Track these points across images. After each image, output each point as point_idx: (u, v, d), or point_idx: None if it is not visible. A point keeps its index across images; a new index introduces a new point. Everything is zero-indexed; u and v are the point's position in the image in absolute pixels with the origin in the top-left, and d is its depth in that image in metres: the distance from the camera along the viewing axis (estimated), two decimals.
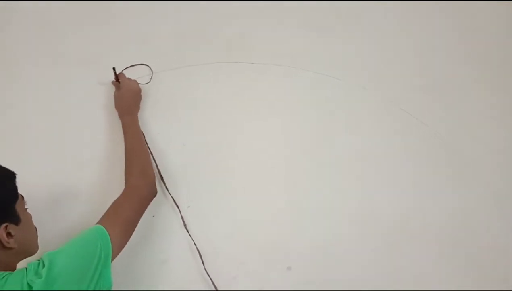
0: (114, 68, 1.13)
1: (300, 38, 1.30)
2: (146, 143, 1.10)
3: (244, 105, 1.21)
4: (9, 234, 0.77)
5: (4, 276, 0.73)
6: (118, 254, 0.85)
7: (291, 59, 1.27)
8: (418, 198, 1.15)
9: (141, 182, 0.98)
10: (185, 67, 1.23)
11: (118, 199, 0.93)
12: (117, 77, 1.14)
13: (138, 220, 0.94)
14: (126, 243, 0.88)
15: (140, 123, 1.12)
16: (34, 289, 0.70)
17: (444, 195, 1.16)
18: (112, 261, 0.81)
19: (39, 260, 0.75)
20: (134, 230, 0.92)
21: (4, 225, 0.76)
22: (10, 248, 0.77)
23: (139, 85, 1.16)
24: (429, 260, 1.10)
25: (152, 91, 1.19)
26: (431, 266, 1.10)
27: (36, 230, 0.88)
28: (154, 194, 1.01)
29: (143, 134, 1.11)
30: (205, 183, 1.13)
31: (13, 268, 0.80)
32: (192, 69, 1.23)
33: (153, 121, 1.16)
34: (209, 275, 1.03)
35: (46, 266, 0.72)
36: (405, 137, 1.21)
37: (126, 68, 1.17)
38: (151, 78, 1.19)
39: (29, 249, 0.84)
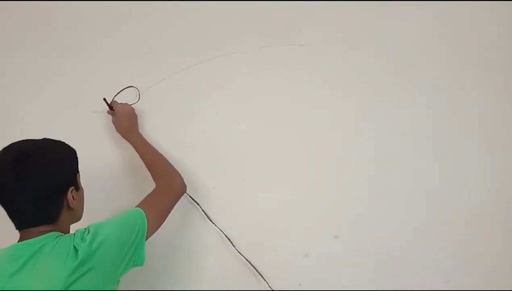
0: (105, 99, 1.23)
1: (348, 17, 1.30)
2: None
3: (293, 88, 1.29)
4: (72, 197, 0.92)
5: (57, 237, 0.87)
6: (151, 235, 0.99)
7: (339, 40, 1.29)
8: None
9: (170, 183, 1.12)
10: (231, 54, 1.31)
11: (152, 192, 1.07)
12: (110, 106, 1.25)
13: (170, 210, 1.09)
14: (159, 227, 1.03)
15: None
16: (79, 251, 0.82)
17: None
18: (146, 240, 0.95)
19: (85, 228, 0.89)
20: (166, 218, 1.06)
21: (71, 188, 0.92)
22: (72, 209, 0.92)
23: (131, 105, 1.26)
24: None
25: (199, 79, 1.30)
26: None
27: None
28: (183, 190, 1.16)
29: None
30: (262, 156, 1.26)
31: (67, 231, 0.94)
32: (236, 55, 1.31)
33: (210, 106, 1.29)
34: (242, 255, 1.21)
35: (91, 233, 0.86)
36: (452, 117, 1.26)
37: (115, 95, 1.27)
38: (138, 98, 1.30)
39: (79, 214, 0.99)
